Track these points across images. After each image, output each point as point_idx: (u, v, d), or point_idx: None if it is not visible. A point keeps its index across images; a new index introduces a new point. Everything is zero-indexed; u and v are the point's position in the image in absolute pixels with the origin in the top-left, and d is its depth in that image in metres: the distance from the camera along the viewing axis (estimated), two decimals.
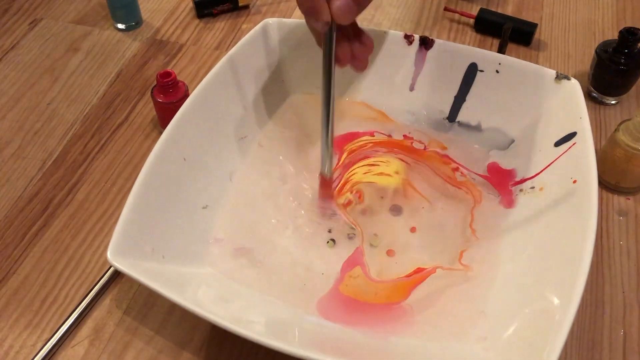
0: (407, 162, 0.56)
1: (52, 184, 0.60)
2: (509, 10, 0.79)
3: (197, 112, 0.53)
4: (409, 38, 0.59)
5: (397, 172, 0.55)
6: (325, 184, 0.52)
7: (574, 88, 0.53)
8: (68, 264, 0.54)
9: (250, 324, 0.44)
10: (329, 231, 0.52)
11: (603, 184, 0.59)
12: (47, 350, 0.47)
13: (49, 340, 0.48)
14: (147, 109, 0.67)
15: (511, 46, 0.73)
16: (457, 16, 0.78)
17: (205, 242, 0.50)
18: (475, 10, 0.76)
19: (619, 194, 0.59)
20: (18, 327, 0.49)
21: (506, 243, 0.50)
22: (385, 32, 0.60)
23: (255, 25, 0.59)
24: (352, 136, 0.60)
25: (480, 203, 0.54)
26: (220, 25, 0.78)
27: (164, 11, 0.79)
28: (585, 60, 0.72)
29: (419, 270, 0.49)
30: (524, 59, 0.57)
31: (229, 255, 0.50)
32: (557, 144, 0.52)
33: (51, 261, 0.54)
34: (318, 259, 0.50)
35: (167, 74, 0.60)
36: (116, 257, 0.42)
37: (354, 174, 0.56)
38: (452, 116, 0.59)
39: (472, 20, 0.76)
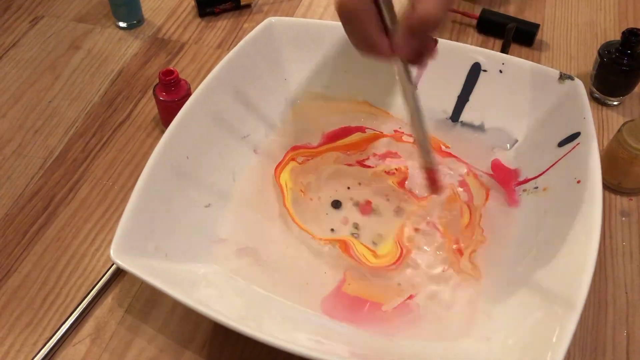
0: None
1: (53, 182, 0.59)
2: (511, 10, 0.79)
3: (199, 110, 0.53)
4: None
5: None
6: (433, 176, 0.44)
7: (578, 88, 0.53)
8: (69, 262, 0.53)
9: (253, 322, 0.43)
10: (332, 230, 0.52)
11: (605, 185, 0.59)
12: (48, 349, 0.47)
13: (50, 339, 0.48)
14: (148, 108, 0.67)
15: (513, 47, 0.73)
16: (459, 17, 0.78)
17: (208, 240, 0.50)
18: (477, 11, 0.76)
19: (621, 195, 0.58)
20: (19, 326, 0.49)
21: (511, 243, 0.50)
22: None
23: (257, 24, 0.59)
24: (344, 132, 0.60)
25: (487, 201, 0.53)
26: (222, 24, 0.77)
27: (165, 10, 0.79)
28: (588, 61, 0.72)
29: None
30: (526, 59, 0.57)
31: (233, 254, 0.50)
32: (561, 144, 0.52)
33: (52, 259, 0.53)
34: (322, 258, 0.50)
35: (170, 72, 0.60)
36: (119, 255, 0.42)
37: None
38: (455, 116, 0.59)
39: (474, 21, 0.76)
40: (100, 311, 0.50)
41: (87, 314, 0.50)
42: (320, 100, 0.61)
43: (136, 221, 0.45)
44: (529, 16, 0.78)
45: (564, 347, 0.38)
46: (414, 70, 0.43)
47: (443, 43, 0.58)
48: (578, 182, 0.48)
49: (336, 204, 0.54)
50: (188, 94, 0.60)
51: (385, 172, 0.56)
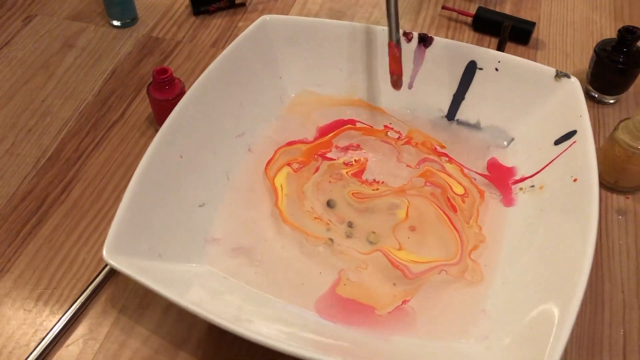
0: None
1: (46, 181, 0.59)
2: (507, 9, 0.79)
3: (194, 109, 0.53)
4: (407, 36, 0.59)
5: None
6: (395, 53, 0.54)
7: (574, 86, 0.53)
8: (62, 262, 0.53)
9: (248, 323, 0.43)
10: (327, 230, 0.52)
11: (602, 183, 0.58)
12: (41, 350, 0.47)
13: (42, 339, 0.47)
14: (142, 107, 0.66)
15: (509, 45, 0.73)
16: (455, 15, 0.77)
17: (202, 240, 0.50)
18: (473, 9, 0.76)
19: (617, 193, 0.58)
20: (11, 327, 0.49)
21: (507, 242, 0.50)
22: (383, 30, 0.59)
23: (252, 22, 0.59)
24: (337, 124, 0.60)
25: (484, 201, 0.53)
26: (216, 23, 0.77)
27: (159, 8, 0.79)
28: (584, 59, 0.72)
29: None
30: (522, 57, 0.57)
31: (227, 254, 0.49)
32: (557, 142, 0.52)
33: (45, 260, 0.53)
34: (316, 258, 0.50)
35: (164, 71, 0.59)
36: (112, 255, 0.42)
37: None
38: (451, 114, 0.59)
39: (470, 19, 0.76)
40: (93, 312, 0.50)
41: (80, 315, 0.49)
42: (315, 97, 0.61)
43: (129, 221, 0.45)
44: (524, 14, 0.78)
45: (561, 346, 0.38)
46: None
47: (439, 41, 0.58)
48: (574, 180, 0.48)
49: (331, 203, 0.54)
50: (182, 93, 0.59)
51: (344, 163, 0.56)
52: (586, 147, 0.49)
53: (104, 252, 0.42)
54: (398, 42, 0.55)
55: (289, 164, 0.56)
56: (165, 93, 0.60)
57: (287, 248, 0.51)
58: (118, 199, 0.57)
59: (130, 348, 0.48)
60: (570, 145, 0.50)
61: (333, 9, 0.79)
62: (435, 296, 0.47)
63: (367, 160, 0.56)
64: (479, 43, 0.74)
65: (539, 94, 0.55)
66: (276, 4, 0.80)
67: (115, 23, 0.76)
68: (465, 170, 0.56)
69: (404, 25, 0.76)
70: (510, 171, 0.55)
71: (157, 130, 0.50)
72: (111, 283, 0.51)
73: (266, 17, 0.59)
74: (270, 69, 0.60)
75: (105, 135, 0.63)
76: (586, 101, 0.53)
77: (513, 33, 0.72)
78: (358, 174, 0.55)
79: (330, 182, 0.54)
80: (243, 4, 0.79)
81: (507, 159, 0.56)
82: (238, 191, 0.54)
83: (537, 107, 0.55)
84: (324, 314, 0.46)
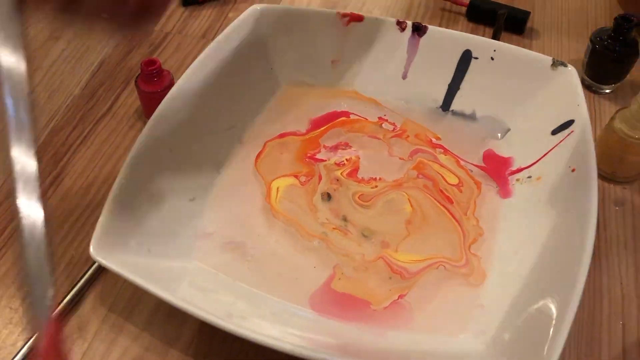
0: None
1: None
2: None
3: (182, 101, 0.51)
4: (401, 24, 0.57)
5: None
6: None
7: (571, 75, 0.52)
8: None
9: (241, 320, 0.42)
10: (322, 224, 0.51)
11: (599, 174, 0.57)
12: (29, 349, 0.45)
13: (30, 339, 0.46)
14: (130, 100, 0.65)
15: (503, 35, 0.72)
16: (448, 4, 0.76)
17: (193, 235, 0.49)
18: None
19: (615, 184, 0.58)
20: None
21: (504, 234, 0.49)
22: (376, 19, 0.58)
23: (241, 13, 0.58)
24: (330, 116, 0.59)
25: (480, 193, 0.52)
26: (206, 14, 0.75)
27: None
28: (579, 48, 0.71)
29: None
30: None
31: (219, 249, 0.48)
32: (554, 132, 0.51)
33: None
34: (310, 252, 0.49)
35: (152, 62, 0.58)
36: (99, 252, 0.41)
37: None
38: (446, 105, 0.58)
39: (464, 9, 0.75)
40: (82, 310, 0.48)
41: (68, 313, 0.48)
42: (307, 89, 0.59)
43: (117, 217, 0.44)
44: (519, 3, 0.76)
45: (561, 341, 0.37)
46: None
47: (433, 30, 0.57)
48: (572, 170, 0.47)
49: (327, 197, 0.52)
50: (171, 85, 0.58)
51: (335, 163, 0.55)
52: (584, 137, 0.48)
53: (91, 249, 0.41)
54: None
55: (296, 176, 0.53)
56: (153, 85, 0.59)
57: (280, 243, 0.50)
58: (107, 193, 0.55)
59: (120, 346, 0.46)
60: (568, 135, 0.49)
61: None
62: (432, 291, 0.46)
63: (359, 158, 0.55)
64: (473, 33, 0.73)
65: (535, 83, 0.54)
66: None
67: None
68: (462, 162, 0.55)
69: (397, 15, 0.75)
70: (506, 162, 0.54)
71: (145, 123, 0.49)
72: (100, 280, 0.50)
73: (257, 6, 0.57)
74: (261, 59, 0.58)
75: (93, 129, 0.62)
76: (582, 91, 0.52)
77: (507, 22, 0.71)
78: (353, 174, 0.54)
79: (335, 189, 0.53)
80: None
81: (503, 150, 0.55)
82: (229, 185, 0.53)
83: (533, 97, 0.54)
84: (319, 309, 0.45)
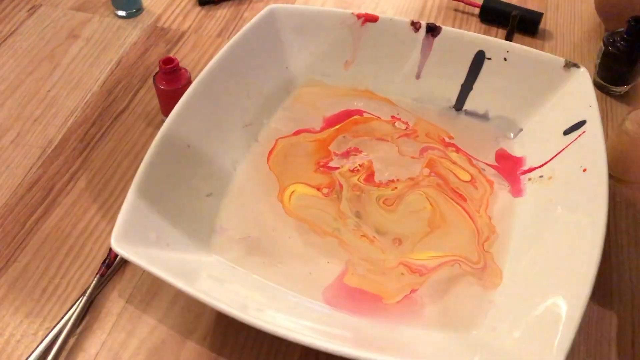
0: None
1: (52, 171, 0.59)
2: None
3: (200, 98, 0.52)
4: (415, 25, 0.58)
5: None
6: None
7: (583, 76, 0.53)
8: (69, 252, 0.53)
9: (256, 312, 0.43)
10: (335, 219, 0.52)
11: (610, 175, 0.58)
12: (49, 340, 0.47)
13: (51, 330, 0.47)
14: (148, 97, 0.66)
15: (516, 36, 0.73)
16: (461, 5, 0.77)
17: (210, 230, 0.50)
18: (480, 0, 0.75)
19: (626, 185, 0.58)
20: (19, 316, 0.49)
21: (516, 233, 0.49)
22: (391, 19, 0.59)
23: (257, 13, 0.58)
24: (344, 114, 0.59)
25: (493, 191, 0.53)
26: (222, 13, 0.77)
27: None
28: (592, 49, 0.72)
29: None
30: None
31: (235, 244, 0.49)
32: (566, 132, 0.52)
33: (52, 249, 0.53)
34: (323, 248, 0.50)
35: (170, 60, 0.59)
36: (120, 244, 0.42)
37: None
38: (459, 105, 0.59)
39: (477, 10, 0.76)
40: (101, 301, 0.50)
41: (87, 305, 0.49)
42: (322, 88, 0.60)
43: (137, 210, 0.45)
44: (531, 5, 0.77)
45: (570, 339, 0.37)
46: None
47: (447, 30, 0.58)
48: (584, 170, 0.47)
49: (357, 215, 0.53)
50: (188, 83, 0.59)
51: (349, 170, 0.55)
52: (596, 137, 0.48)
53: (112, 241, 0.42)
54: None
55: (318, 189, 0.53)
56: (171, 83, 0.60)
57: (294, 238, 0.50)
58: (124, 189, 0.57)
59: (138, 337, 0.47)
60: (580, 135, 0.50)
61: None
62: (444, 286, 0.47)
63: (372, 163, 0.55)
64: (486, 34, 0.73)
65: (548, 84, 0.55)
66: None
67: (120, 13, 0.75)
68: (474, 161, 0.55)
69: (410, 15, 0.76)
70: (518, 161, 0.55)
71: (162, 121, 0.50)
72: (119, 273, 0.51)
73: (273, 6, 0.58)
74: (277, 59, 0.59)
75: (111, 126, 0.63)
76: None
77: (520, 24, 0.72)
78: (370, 179, 0.54)
79: (359, 197, 0.53)
80: None
81: (515, 149, 0.56)
82: (245, 181, 0.54)
83: (546, 97, 0.55)
84: (332, 303, 0.46)
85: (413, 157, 0.56)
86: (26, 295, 0.50)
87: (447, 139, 0.57)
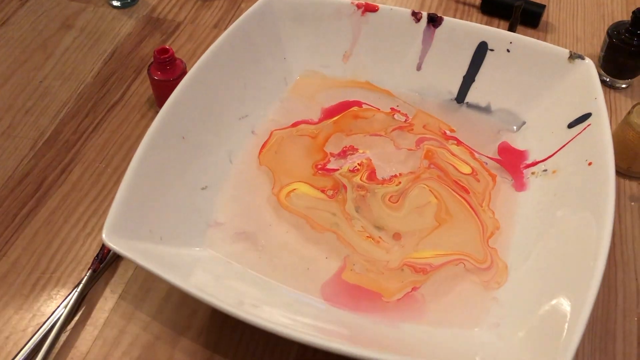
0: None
1: (44, 163, 0.57)
2: None
3: (196, 89, 0.51)
4: (416, 15, 0.57)
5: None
6: None
7: (588, 68, 0.51)
8: (60, 247, 0.51)
9: (252, 308, 0.42)
10: (334, 214, 0.50)
11: (615, 169, 0.57)
12: (40, 336, 0.45)
13: (41, 326, 0.46)
14: (142, 89, 0.65)
15: (518, 29, 0.71)
16: None
17: (205, 224, 0.48)
18: None
19: (630, 179, 0.57)
20: (7, 312, 0.47)
21: (519, 228, 0.48)
22: (391, 9, 0.57)
23: (254, 3, 0.57)
24: (343, 105, 0.58)
25: (495, 185, 0.52)
26: (218, 4, 0.75)
27: None
28: (595, 42, 0.70)
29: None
30: None
31: (230, 238, 0.48)
32: (571, 125, 0.50)
33: (43, 244, 0.51)
34: (321, 243, 0.48)
35: (165, 50, 0.58)
36: (112, 238, 0.40)
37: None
38: (461, 97, 0.58)
39: (478, 1, 0.74)
40: (92, 297, 0.48)
41: (79, 301, 0.48)
42: (320, 79, 0.59)
43: (130, 203, 0.43)
44: None
45: (576, 339, 0.36)
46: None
47: (448, 21, 0.56)
48: (589, 164, 0.46)
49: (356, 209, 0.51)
50: (184, 73, 0.58)
51: (350, 170, 0.53)
52: (601, 130, 0.47)
53: (104, 235, 0.40)
54: None
55: (323, 191, 0.52)
56: (166, 73, 0.58)
57: (291, 233, 0.49)
58: (118, 181, 0.56)
59: (130, 334, 0.46)
60: (585, 128, 0.49)
61: None
62: (446, 283, 0.46)
63: (371, 160, 0.54)
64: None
65: (551, 76, 0.53)
66: None
67: (115, 3, 0.74)
68: (476, 154, 0.54)
69: (411, 6, 0.75)
70: (522, 155, 0.53)
71: (157, 113, 0.48)
72: (111, 268, 0.50)
73: None
74: (274, 49, 0.58)
75: (104, 117, 0.62)
76: None
77: (522, 16, 0.70)
78: (372, 177, 0.53)
79: (364, 197, 0.51)
80: None
81: (518, 143, 0.54)
82: (241, 174, 0.52)
83: (549, 90, 0.54)
84: (330, 300, 0.45)
85: (410, 150, 0.55)
86: (15, 291, 0.48)
87: (448, 132, 0.56)
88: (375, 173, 0.53)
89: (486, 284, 0.45)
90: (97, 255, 0.49)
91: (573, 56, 0.52)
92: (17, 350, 0.45)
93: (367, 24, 0.58)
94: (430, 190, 0.51)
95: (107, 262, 0.50)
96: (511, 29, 0.68)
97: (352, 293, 0.45)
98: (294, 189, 0.52)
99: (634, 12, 0.61)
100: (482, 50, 0.56)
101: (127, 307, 0.48)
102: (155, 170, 0.46)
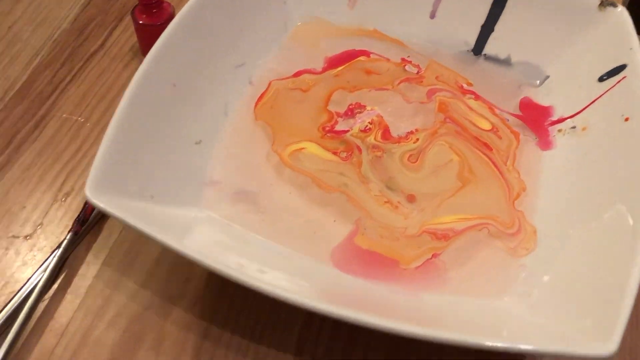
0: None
1: (15, 116, 0.52)
2: None
3: (186, 32, 0.45)
4: None
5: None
6: None
7: (622, 16, 0.47)
8: (35, 207, 0.46)
9: (255, 272, 0.37)
10: (341, 174, 0.46)
11: None
12: (14, 306, 0.40)
13: (15, 294, 0.41)
14: (125, 36, 0.59)
15: None
16: None
17: (199, 182, 0.43)
18: None
19: None
20: None
21: (545, 189, 0.44)
22: None
23: None
24: (348, 55, 0.53)
25: (519, 144, 0.47)
26: None
27: None
28: None
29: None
30: None
31: (228, 199, 0.43)
32: (602, 78, 0.46)
33: (16, 204, 0.46)
34: (329, 205, 0.44)
35: None
36: (96, 194, 0.35)
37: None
38: (478, 48, 0.53)
39: None
40: (73, 263, 0.43)
41: (58, 266, 0.43)
42: (324, 26, 0.54)
43: (116, 156, 0.38)
44: None
45: (624, 319, 0.32)
46: None
47: None
48: (626, 119, 0.42)
49: (392, 186, 0.46)
50: (171, 18, 0.52)
51: (361, 130, 0.48)
52: (639, 82, 0.43)
53: (87, 191, 0.35)
54: None
55: (335, 153, 0.47)
56: (152, 17, 0.53)
57: (295, 194, 0.44)
58: (99, 136, 0.50)
59: (116, 304, 0.41)
60: (619, 81, 0.44)
61: None
62: (469, 249, 0.41)
63: (382, 117, 0.49)
64: None
65: (579, 25, 0.49)
66: None
67: None
68: (497, 110, 0.49)
69: None
70: (546, 111, 0.49)
71: (142, 62, 0.43)
72: (93, 231, 0.45)
73: None
74: None
75: (83, 67, 0.56)
76: None
77: None
78: (387, 135, 0.48)
79: (380, 158, 0.46)
80: None
81: (541, 98, 0.50)
82: (238, 129, 0.47)
83: (576, 41, 0.49)
84: (342, 266, 0.40)
85: (422, 102, 0.50)
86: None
87: (465, 86, 0.51)
88: (389, 131, 0.48)
89: (513, 250, 0.41)
90: (78, 217, 0.44)
91: (604, 3, 0.48)
92: None
93: None
94: (450, 147, 0.47)
95: (89, 223, 0.44)
96: None
97: (365, 259, 0.41)
98: (302, 148, 0.47)
99: None
100: None
101: (113, 274, 0.43)
102: (144, 119, 0.41)
